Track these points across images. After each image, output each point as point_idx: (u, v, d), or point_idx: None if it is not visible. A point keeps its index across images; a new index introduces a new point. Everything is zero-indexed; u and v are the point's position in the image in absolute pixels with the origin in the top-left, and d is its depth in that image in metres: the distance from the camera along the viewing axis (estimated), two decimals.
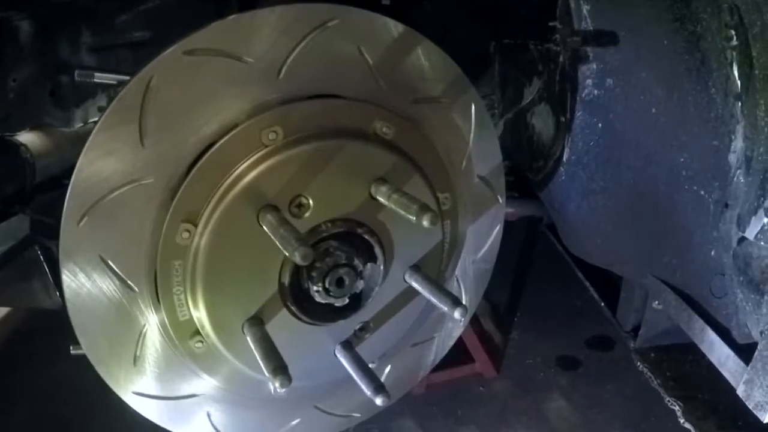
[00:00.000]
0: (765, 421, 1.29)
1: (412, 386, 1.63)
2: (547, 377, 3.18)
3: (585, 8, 1.54)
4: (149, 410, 1.25)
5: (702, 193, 1.47)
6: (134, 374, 1.20)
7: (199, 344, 1.19)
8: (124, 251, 1.10)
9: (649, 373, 2.02)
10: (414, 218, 1.07)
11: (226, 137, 1.08)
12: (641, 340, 2.09)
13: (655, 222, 1.62)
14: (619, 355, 3.21)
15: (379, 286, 1.25)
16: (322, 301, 1.18)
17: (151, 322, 1.16)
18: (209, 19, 1.05)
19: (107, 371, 1.17)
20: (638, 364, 2.05)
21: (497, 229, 1.48)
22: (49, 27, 1.75)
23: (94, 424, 2.71)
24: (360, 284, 1.20)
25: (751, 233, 1.29)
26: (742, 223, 1.33)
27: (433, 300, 1.22)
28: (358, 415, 1.51)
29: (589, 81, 1.60)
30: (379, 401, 1.16)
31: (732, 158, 1.39)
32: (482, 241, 1.47)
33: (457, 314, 1.16)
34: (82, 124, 1.90)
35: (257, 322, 1.16)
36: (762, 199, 1.26)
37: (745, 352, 1.40)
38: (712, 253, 1.49)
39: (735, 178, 1.38)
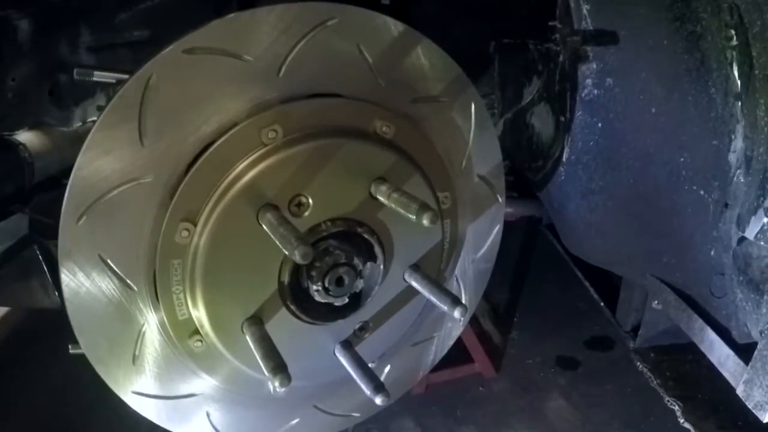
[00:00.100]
0: (765, 421, 1.29)
1: (411, 386, 1.62)
2: (546, 377, 3.18)
3: (585, 8, 1.54)
4: (148, 410, 1.25)
5: (702, 192, 1.48)
6: (133, 374, 1.19)
7: (199, 343, 1.18)
8: (123, 250, 1.09)
9: (648, 373, 2.02)
10: (414, 217, 1.07)
11: (226, 136, 1.08)
12: (641, 340, 2.10)
13: (655, 222, 1.62)
14: (619, 355, 3.21)
15: (378, 285, 1.25)
16: (322, 301, 1.18)
17: (150, 321, 1.16)
18: (208, 18, 1.05)
19: (106, 371, 1.17)
20: (638, 364, 2.06)
21: (497, 229, 1.48)
22: (47, 26, 1.74)
23: (94, 423, 2.71)
24: (360, 283, 1.20)
25: (750, 233, 1.29)
26: (741, 223, 1.33)
27: (433, 299, 1.22)
28: (357, 414, 1.50)
29: (588, 81, 1.60)
30: (378, 401, 1.16)
31: (732, 158, 1.39)
32: (482, 240, 1.47)
33: (456, 313, 1.16)
34: (80, 124, 1.90)
35: (257, 321, 1.16)
36: (762, 198, 1.26)
37: (745, 351, 1.40)
38: (712, 252, 1.49)
39: (735, 178, 1.38)
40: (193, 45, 1.02)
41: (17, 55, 1.73)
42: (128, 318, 1.14)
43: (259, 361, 1.09)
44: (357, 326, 1.30)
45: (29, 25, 1.71)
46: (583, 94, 1.62)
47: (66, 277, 1.07)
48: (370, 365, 1.27)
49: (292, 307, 1.18)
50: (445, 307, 1.19)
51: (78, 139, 1.84)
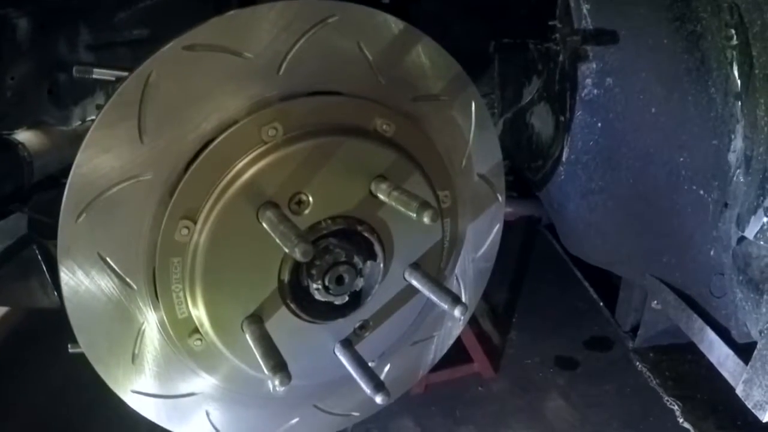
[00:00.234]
0: (764, 421, 1.29)
1: (411, 385, 1.62)
2: (545, 377, 3.18)
3: (585, 7, 1.54)
4: (148, 409, 1.24)
5: (701, 192, 1.48)
6: (133, 373, 1.19)
7: (198, 342, 1.18)
8: (123, 248, 1.09)
9: (648, 373, 2.02)
10: (414, 215, 1.07)
11: (226, 133, 1.07)
12: (640, 339, 2.10)
13: (655, 222, 1.62)
14: (618, 355, 3.21)
15: (378, 284, 1.24)
16: (322, 299, 1.18)
17: (150, 320, 1.16)
18: (208, 16, 1.05)
19: (106, 370, 1.17)
20: (637, 363, 2.06)
21: (497, 228, 1.48)
22: (46, 25, 1.74)
23: (94, 423, 2.70)
24: (360, 282, 1.20)
25: (750, 233, 1.29)
26: (741, 223, 1.33)
27: (433, 298, 1.22)
28: (357, 414, 1.50)
29: (588, 80, 1.60)
30: (379, 400, 1.16)
31: (732, 158, 1.39)
32: (482, 239, 1.47)
33: (457, 312, 1.16)
34: (80, 123, 1.89)
35: (256, 320, 1.16)
36: (761, 198, 1.26)
37: (744, 351, 1.40)
38: (712, 252, 1.49)
39: (734, 178, 1.38)
40: (194, 42, 1.02)
41: (16, 53, 1.73)
42: (128, 317, 1.14)
43: (259, 359, 1.08)
44: (357, 325, 1.30)
45: (28, 23, 1.71)
46: (582, 94, 1.62)
47: (65, 276, 1.07)
48: (370, 364, 1.27)
49: (292, 305, 1.18)
50: (445, 306, 1.18)
51: (77, 138, 1.84)
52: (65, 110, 1.87)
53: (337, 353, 1.28)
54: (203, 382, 1.26)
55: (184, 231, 1.09)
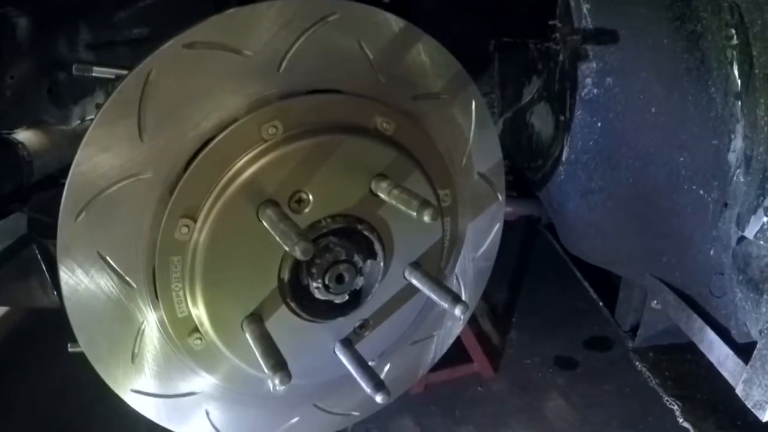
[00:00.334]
0: (764, 420, 1.29)
1: (411, 385, 1.62)
2: (545, 377, 3.18)
3: (585, 7, 1.54)
4: (148, 408, 1.24)
5: (701, 192, 1.47)
6: (132, 372, 1.19)
7: (198, 341, 1.18)
8: (123, 247, 1.09)
9: (647, 373, 2.02)
10: (415, 214, 1.07)
11: (226, 132, 1.07)
12: (640, 339, 2.10)
13: (654, 221, 1.62)
14: (618, 355, 3.21)
15: (379, 283, 1.24)
16: (322, 298, 1.17)
17: (150, 319, 1.16)
18: (208, 14, 1.05)
19: (105, 369, 1.17)
20: (637, 363, 2.06)
21: (497, 227, 1.48)
22: (46, 24, 1.74)
23: (94, 423, 2.70)
24: (360, 281, 1.20)
25: (750, 232, 1.29)
26: (741, 223, 1.33)
27: (434, 297, 1.22)
28: (357, 413, 1.50)
29: (588, 80, 1.60)
30: (379, 399, 1.15)
31: (731, 157, 1.39)
32: (482, 238, 1.46)
33: (457, 311, 1.16)
34: (79, 122, 1.89)
35: (256, 319, 1.15)
36: (761, 198, 1.26)
37: (744, 351, 1.40)
38: (712, 252, 1.49)
39: (734, 178, 1.38)
40: (193, 40, 1.02)
41: (16, 53, 1.73)
42: (127, 316, 1.14)
43: (259, 359, 1.08)
44: (357, 324, 1.30)
45: (28, 22, 1.71)
46: (582, 94, 1.62)
47: (65, 275, 1.06)
48: (370, 363, 1.27)
49: (292, 304, 1.18)
50: (445, 305, 1.18)
51: (77, 138, 1.83)
52: (65, 109, 1.87)
53: (337, 352, 1.28)
54: (203, 382, 1.26)
55: (184, 229, 1.09)
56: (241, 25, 1.05)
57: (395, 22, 1.17)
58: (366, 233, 1.19)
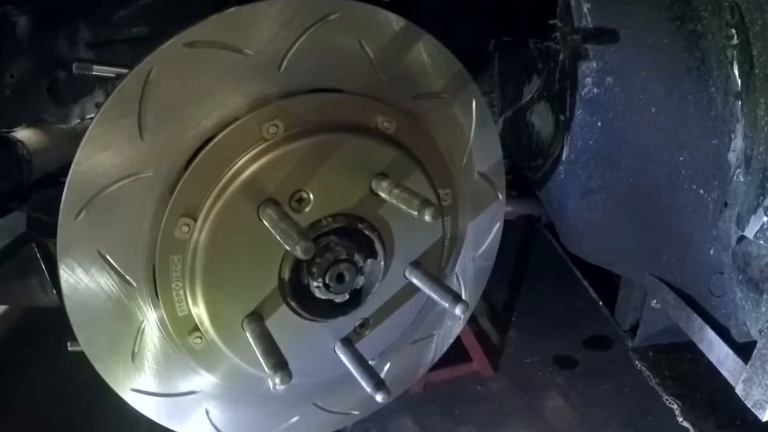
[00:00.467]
0: (764, 420, 1.29)
1: (411, 384, 1.62)
2: (544, 376, 3.18)
3: (585, 6, 1.54)
4: (148, 407, 1.24)
5: (701, 192, 1.47)
6: (132, 371, 1.19)
7: (198, 340, 1.18)
8: (123, 246, 1.09)
9: (647, 372, 2.02)
10: (416, 213, 1.07)
11: (226, 131, 1.07)
12: (639, 339, 2.10)
13: (654, 221, 1.62)
14: (617, 354, 3.21)
15: (379, 282, 1.24)
16: (323, 297, 1.17)
17: (150, 318, 1.16)
18: (208, 13, 1.04)
19: (105, 368, 1.17)
20: (636, 363, 2.06)
21: (497, 226, 1.48)
22: (46, 22, 1.74)
23: (93, 422, 2.70)
24: (360, 280, 1.20)
25: (750, 232, 1.29)
26: (741, 222, 1.33)
27: (434, 296, 1.22)
28: (356, 412, 1.50)
29: (588, 79, 1.60)
30: (379, 398, 1.15)
31: (731, 157, 1.39)
32: (482, 238, 1.47)
33: (458, 310, 1.16)
34: (79, 121, 1.89)
35: (257, 318, 1.15)
36: (761, 197, 1.26)
37: (744, 350, 1.40)
38: (711, 251, 1.49)
39: (734, 177, 1.38)
40: (194, 38, 1.02)
41: (16, 51, 1.73)
42: (127, 314, 1.14)
43: (260, 358, 1.08)
44: (357, 323, 1.30)
45: (28, 21, 1.71)
46: (583, 93, 1.62)
47: (65, 274, 1.06)
48: (370, 363, 1.27)
49: (293, 303, 1.18)
50: (446, 304, 1.18)
51: (76, 136, 1.84)
52: (64, 108, 1.87)
53: (338, 351, 1.28)
54: (203, 381, 1.26)
55: (185, 228, 1.09)
56: (242, 24, 1.05)
57: (396, 21, 1.17)
58: (366, 232, 1.19)
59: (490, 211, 1.44)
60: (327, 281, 1.15)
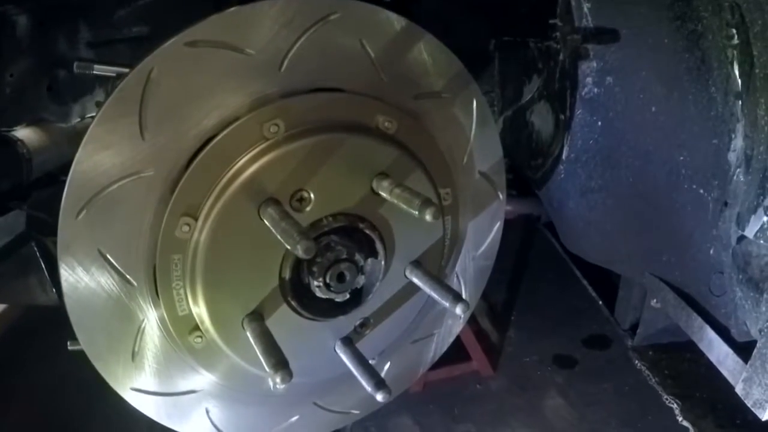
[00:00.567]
0: (763, 419, 1.29)
1: (411, 383, 1.62)
2: (543, 375, 3.18)
3: (586, 6, 1.54)
4: (148, 407, 1.24)
5: (701, 191, 1.48)
6: (132, 370, 1.19)
7: (199, 340, 1.18)
8: (123, 245, 1.09)
9: (647, 371, 2.02)
10: (417, 213, 1.07)
11: (227, 130, 1.07)
12: (639, 338, 2.10)
13: (654, 220, 1.62)
14: (616, 353, 3.21)
15: (379, 281, 1.24)
16: (323, 297, 1.17)
17: (150, 317, 1.16)
18: (209, 13, 1.04)
19: (105, 367, 1.17)
20: (636, 362, 2.06)
21: (497, 226, 1.48)
22: (46, 22, 1.74)
23: (93, 421, 2.70)
24: (361, 279, 1.20)
25: (750, 232, 1.29)
26: (741, 222, 1.33)
27: (434, 296, 1.22)
28: (357, 412, 1.50)
29: (589, 79, 1.60)
30: (380, 397, 1.15)
31: (732, 157, 1.39)
32: (483, 237, 1.47)
33: (458, 310, 1.16)
34: (79, 120, 1.89)
35: (257, 317, 1.15)
36: (762, 197, 1.26)
37: (744, 350, 1.40)
38: (711, 251, 1.49)
39: (735, 177, 1.38)
40: (195, 38, 1.02)
41: (15, 50, 1.72)
42: (128, 314, 1.14)
43: (260, 357, 1.08)
44: (358, 322, 1.30)
45: (28, 20, 1.71)
46: (583, 93, 1.62)
47: (65, 272, 1.06)
48: (370, 362, 1.27)
49: (293, 303, 1.18)
50: (446, 304, 1.18)
51: (76, 136, 1.84)
52: (65, 107, 1.86)
53: (338, 351, 1.28)
54: (203, 380, 1.26)
55: (185, 228, 1.09)
56: (243, 24, 1.05)
57: (397, 21, 1.17)
58: (367, 232, 1.19)
59: (491, 210, 1.44)
60: (328, 280, 1.15)
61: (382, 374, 1.38)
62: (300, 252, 0.97)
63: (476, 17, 1.93)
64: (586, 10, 1.54)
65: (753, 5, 1.25)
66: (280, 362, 1.05)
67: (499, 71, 2.03)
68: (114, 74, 1.19)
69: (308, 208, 1.13)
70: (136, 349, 1.17)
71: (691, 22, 1.41)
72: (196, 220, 1.09)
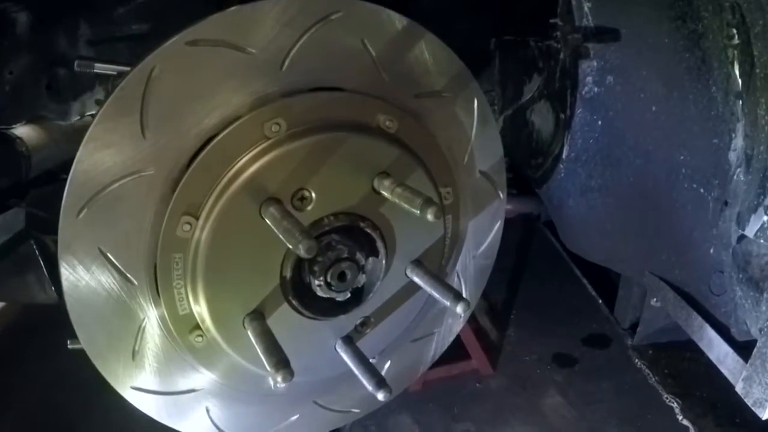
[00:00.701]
0: (763, 418, 1.30)
1: (411, 382, 1.62)
2: (543, 374, 3.19)
3: (586, 5, 1.54)
4: (148, 406, 1.24)
5: (701, 191, 1.48)
6: (133, 369, 1.19)
7: (199, 339, 1.18)
8: (124, 244, 1.09)
9: (646, 370, 2.02)
10: (418, 212, 1.07)
11: (228, 129, 1.07)
12: (639, 337, 2.10)
13: (654, 219, 1.62)
14: (616, 352, 3.22)
15: (380, 280, 1.24)
16: (324, 296, 1.17)
17: (151, 316, 1.16)
18: (210, 11, 1.04)
19: (105, 366, 1.16)
20: (636, 361, 2.06)
21: (498, 225, 1.48)
22: (45, 19, 1.73)
23: (92, 420, 2.70)
24: (362, 278, 1.20)
25: (750, 231, 1.29)
26: (741, 221, 1.33)
27: (435, 295, 1.22)
28: (357, 410, 1.50)
29: (589, 78, 1.60)
30: (381, 396, 1.15)
31: (732, 156, 1.39)
32: (483, 236, 1.47)
33: (459, 309, 1.16)
34: (78, 118, 1.89)
35: (258, 316, 1.15)
36: (762, 197, 1.26)
37: (744, 349, 1.40)
38: (711, 250, 1.49)
39: (735, 177, 1.38)
40: (197, 37, 1.01)
41: (15, 48, 1.72)
42: (128, 313, 1.14)
43: (262, 356, 1.08)
44: (358, 321, 1.30)
45: (27, 18, 1.71)
46: (583, 92, 1.62)
47: (65, 271, 1.06)
48: (371, 361, 1.27)
49: (294, 302, 1.18)
50: (447, 303, 1.18)
51: (75, 134, 1.84)
52: (64, 105, 1.86)
53: (339, 350, 1.28)
54: (204, 379, 1.26)
55: (186, 227, 1.09)
56: (245, 23, 1.04)
57: (398, 20, 1.17)
58: (368, 231, 1.19)
59: (491, 209, 1.44)
60: (329, 279, 1.15)
61: (383, 373, 1.38)
62: (302, 251, 0.97)
63: (476, 16, 1.93)
64: (586, 9, 1.55)
65: (754, 5, 1.25)
66: (281, 361, 1.05)
67: (500, 70, 2.03)
68: (115, 73, 1.19)
69: (309, 208, 1.13)
70: (137, 347, 1.17)
71: (692, 22, 1.41)
72: (197, 219, 1.09)
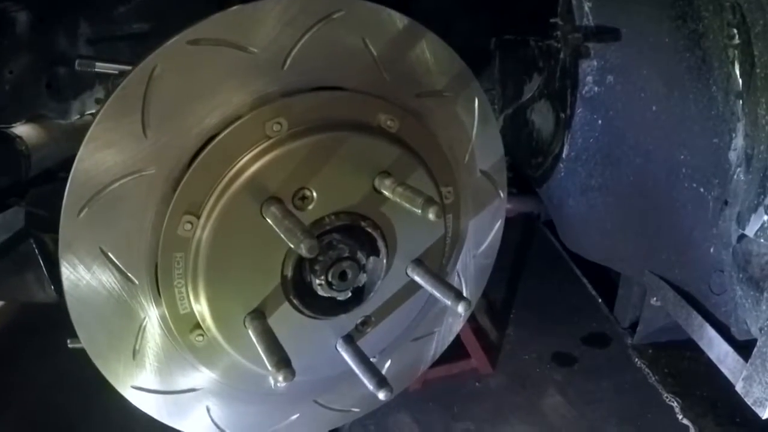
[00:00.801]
0: (763, 417, 1.30)
1: (411, 381, 1.62)
2: (543, 373, 3.19)
3: (587, 5, 1.54)
4: (148, 405, 1.24)
5: (702, 190, 1.48)
6: (133, 368, 1.19)
7: (200, 338, 1.18)
8: (125, 243, 1.08)
9: (646, 369, 2.02)
10: (419, 211, 1.07)
11: (230, 128, 1.07)
12: (639, 336, 2.10)
13: (654, 219, 1.62)
14: (615, 351, 3.22)
15: (381, 280, 1.24)
16: (325, 295, 1.17)
17: (151, 315, 1.16)
18: (211, 10, 1.04)
19: (106, 365, 1.16)
20: (636, 360, 2.06)
21: (498, 224, 1.48)
22: (46, 18, 1.73)
23: (92, 419, 2.69)
24: (363, 278, 1.20)
25: (750, 230, 1.29)
26: (741, 221, 1.33)
27: (436, 294, 1.22)
28: (357, 410, 1.50)
29: (589, 78, 1.60)
30: (381, 395, 1.16)
31: (732, 156, 1.39)
32: (483, 235, 1.47)
33: (460, 308, 1.16)
34: (78, 117, 1.89)
35: (259, 315, 1.15)
36: (762, 196, 1.26)
37: (744, 348, 1.41)
38: (712, 250, 1.49)
39: (735, 176, 1.38)
40: (198, 36, 1.01)
41: (15, 47, 1.72)
42: (129, 312, 1.14)
43: (263, 355, 1.08)
44: (359, 321, 1.30)
45: (27, 17, 1.70)
46: (583, 91, 1.62)
47: (66, 270, 1.06)
48: (371, 360, 1.27)
49: (295, 301, 1.18)
50: (448, 302, 1.18)
51: (76, 133, 1.84)
52: (64, 104, 1.86)
53: (339, 349, 1.28)
54: (204, 378, 1.26)
55: (187, 226, 1.09)
56: (246, 22, 1.04)
57: (400, 20, 1.17)
58: (369, 230, 1.19)
59: (492, 208, 1.45)
60: (330, 279, 1.15)
61: (383, 372, 1.38)
62: (303, 251, 0.97)
63: (477, 16, 1.93)
64: (587, 8, 1.55)
65: (754, 5, 1.25)
66: (282, 360, 1.05)
67: (500, 70, 2.03)
68: (116, 72, 1.19)
69: (310, 207, 1.13)
70: (137, 347, 1.17)
71: (693, 22, 1.41)
72: (198, 218, 1.09)
